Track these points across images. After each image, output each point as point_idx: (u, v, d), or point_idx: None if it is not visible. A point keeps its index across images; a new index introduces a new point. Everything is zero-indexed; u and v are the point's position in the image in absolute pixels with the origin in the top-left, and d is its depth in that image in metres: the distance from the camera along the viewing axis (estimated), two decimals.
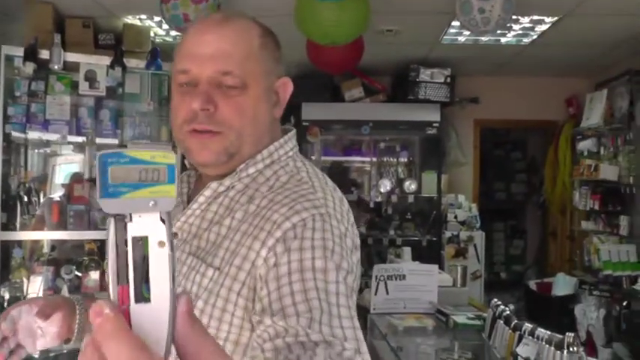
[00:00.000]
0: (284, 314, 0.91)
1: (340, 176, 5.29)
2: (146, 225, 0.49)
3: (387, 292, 3.04)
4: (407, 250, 3.36)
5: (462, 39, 4.37)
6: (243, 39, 1.06)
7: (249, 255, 0.99)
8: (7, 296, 3.26)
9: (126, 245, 0.49)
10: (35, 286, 3.37)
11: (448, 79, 4.99)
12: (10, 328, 1.06)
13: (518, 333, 2.27)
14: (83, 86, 3.31)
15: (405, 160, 5.38)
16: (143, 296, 0.49)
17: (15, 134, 3.24)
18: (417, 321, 2.86)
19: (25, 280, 3.36)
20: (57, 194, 3.47)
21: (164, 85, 3.43)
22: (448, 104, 5.11)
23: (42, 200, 3.46)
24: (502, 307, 2.53)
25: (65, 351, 2.92)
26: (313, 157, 5.17)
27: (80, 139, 3.43)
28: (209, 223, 1.07)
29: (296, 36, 3.84)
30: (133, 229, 0.49)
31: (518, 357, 2.18)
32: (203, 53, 1.04)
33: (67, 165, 3.67)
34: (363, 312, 3.14)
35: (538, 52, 4.63)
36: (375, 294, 3.02)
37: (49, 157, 3.54)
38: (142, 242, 0.49)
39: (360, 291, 3.16)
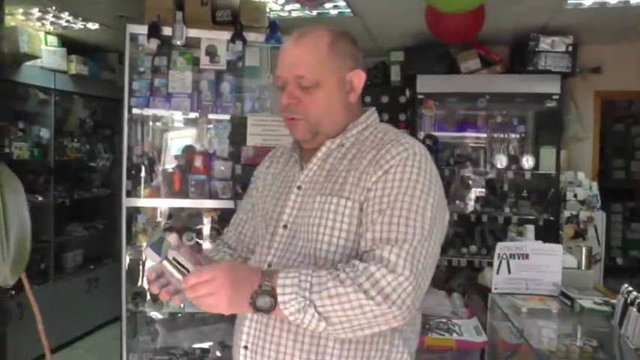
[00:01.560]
0: (373, 224, 1.33)
1: (453, 151, 5.17)
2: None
3: (509, 272, 2.93)
4: (530, 229, 3.21)
5: (587, 3, 4.07)
6: (313, 49, 1.45)
7: (365, 185, 1.38)
8: (127, 260, 3.45)
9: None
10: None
11: (570, 48, 4.68)
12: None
13: None
14: (204, 61, 3.39)
15: (522, 134, 5.13)
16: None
17: (138, 109, 3.39)
18: (540, 303, 2.73)
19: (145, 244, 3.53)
20: (170, 165, 3.59)
21: None
22: (568, 75, 4.81)
23: (159, 170, 3.58)
24: (635, 293, 2.36)
25: None
26: (422, 132, 5.06)
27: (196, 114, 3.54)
28: (328, 172, 1.47)
29: (413, 4, 3.75)
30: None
31: None
32: (285, 63, 1.48)
33: (179, 139, 3.77)
34: (483, 290, 3.05)
35: None
36: (497, 272, 2.92)
37: (165, 130, 3.65)
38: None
39: (481, 269, 3.10)
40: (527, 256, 2.94)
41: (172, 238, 1.30)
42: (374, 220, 1.34)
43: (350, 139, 1.50)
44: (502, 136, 5.18)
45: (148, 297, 3.47)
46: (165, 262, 1.27)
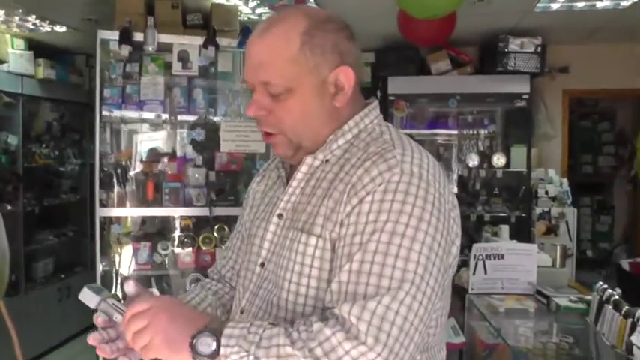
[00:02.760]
0: (339, 273, 1.03)
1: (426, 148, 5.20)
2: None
3: (486, 272, 2.97)
4: (504, 229, 3.26)
5: (555, 6, 4.14)
6: (280, 46, 1.11)
7: (339, 218, 1.07)
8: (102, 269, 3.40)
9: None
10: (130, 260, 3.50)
11: (538, 49, 4.77)
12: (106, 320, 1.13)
13: (630, 320, 2.15)
14: (176, 67, 3.36)
15: (493, 132, 5.20)
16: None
17: (110, 114, 3.34)
18: (517, 302, 2.78)
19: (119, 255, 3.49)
20: (135, 171, 3.55)
21: None
22: (537, 75, 4.89)
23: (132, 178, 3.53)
24: (609, 290, 2.41)
25: None
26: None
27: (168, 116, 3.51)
28: (308, 196, 1.15)
29: (384, 8, 3.76)
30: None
31: (634, 346, 2.07)
32: (249, 64, 1.15)
33: (151, 145, 3.73)
34: (460, 291, 3.09)
35: (638, 14, 4.33)
36: (474, 273, 2.95)
37: (136, 136, 3.61)
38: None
39: (458, 270, 3.11)
40: (502, 256, 2.98)
41: (130, 286, 1.14)
42: (342, 267, 1.03)
43: (336, 152, 1.16)
44: (472, 132, 5.23)
45: None
46: (103, 304, 1.11)
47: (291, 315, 1.11)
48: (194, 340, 1.00)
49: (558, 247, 3.08)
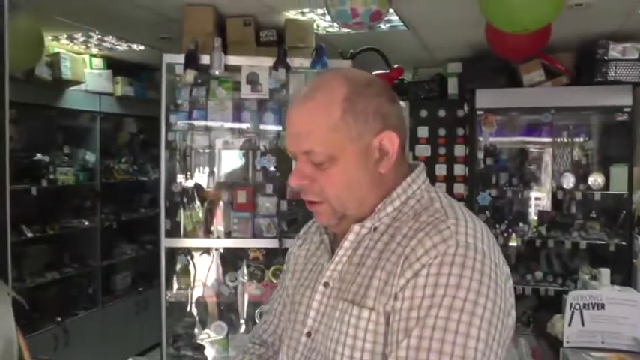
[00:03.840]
0: (397, 349, 0.98)
1: (517, 164, 4.85)
2: None
3: (583, 324, 2.62)
4: (605, 273, 2.87)
5: None
6: (321, 114, 1.08)
7: (393, 290, 1.03)
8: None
9: None
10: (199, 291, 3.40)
11: None
12: None
13: None
14: (245, 90, 3.21)
15: (590, 150, 4.75)
16: None
17: (178, 141, 3.24)
18: None
19: (189, 284, 3.39)
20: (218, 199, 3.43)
21: None
22: None
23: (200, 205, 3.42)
24: None
25: None
26: (481, 139, 4.75)
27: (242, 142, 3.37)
28: (356, 266, 1.12)
29: (471, 15, 3.46)
30: None
31: None
32: (290, 132, 1.13)
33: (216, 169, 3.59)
34: (553, 342, 2.76)
35: None
36: (569, 325, 2.62)
37: (210, 161, 3.48)
38: None
39: (547, 297, 2.80)
40: (602, 306, 2.63)
41: None
42: (399, 342, 0.99)
43: (384, 220, 1.13)
44: (567, 140, 4.80)
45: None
46: None
47: None
48: None
49: None
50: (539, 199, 4.78)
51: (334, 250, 1.19)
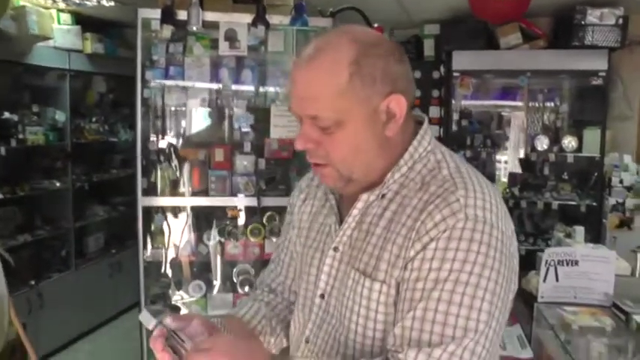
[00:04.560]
0: (402, 319, 1.03)
1: (490, 132, 4.87)
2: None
3: (557, 279, 2.68)
4: (579, 231, 2.93)
5: None
6: (328, 78, 1.05)
7: (404, 263, 1.06)
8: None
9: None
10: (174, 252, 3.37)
11: (620, 21, 4.30)
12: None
13: None
14: (223, 47, 3.12)
15: (564, 114, 4.79)
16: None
17: (153, 97, 3.17)
18: (592, 318, 2.48)
19: (165, 245, 3.36)
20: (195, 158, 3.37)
21: (310, 41, 3.18)
22: (616, 49, 4.44)
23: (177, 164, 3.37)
24: None
25: None
26: (453, 101, 4.75)
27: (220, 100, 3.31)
28: (365, 233, 1.14)
29: None
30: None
31: None
32: (295, 95, 1.10)
33: (192, 126, 3.53)
34: (528, 299, 2.82)
35: None
36: (544, 281, 2.67)
37: (176, 118, 3.41)
38: None
39: (525, 275, 2.88)
40: (576, 263, 2.68)
41: (169, 321, 1.11)
42: (404, 312, 1.04)
43: (392, 186, 1.13)
44: (540, 105, 4.83)
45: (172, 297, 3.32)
46: (160, 327, 1.12)
47: (359, 354, 1.13)
48: None
49: (639, 255, 2.75)
50: (510, 160, 4.84)
51: (340, 212, 1.23)
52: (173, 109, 3.38)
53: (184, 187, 3.25)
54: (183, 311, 3.35)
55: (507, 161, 4.82)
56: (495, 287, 1.02)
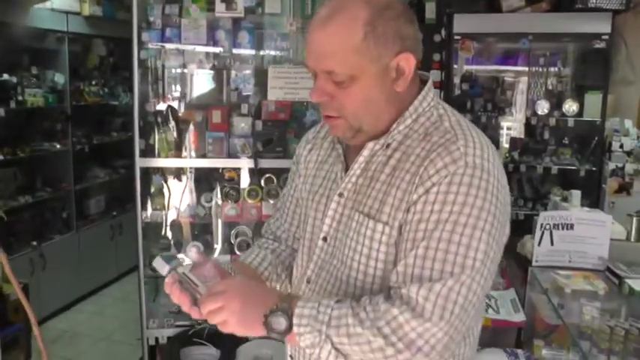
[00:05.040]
0: (405, 257, 1.13)
1: (494, 95, 4.82)
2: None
3: (552, 243, 2.69)
4: (576, 194, 2.92)
5: None
6: (344, 36, 1.13)
7: (406, 207, 1.15)
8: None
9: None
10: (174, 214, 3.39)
11: None
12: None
13: None
14: (219, 8, 3.09)
15: (565, 77, 4.74)
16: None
17: (150, 58, 3.15)
18: (585, 281, 2.51)
19: (166, 207, 3.37)
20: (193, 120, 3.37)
21: (307, 3, 3.14)
22: (620, 12, 4.36)
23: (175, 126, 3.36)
24: None
25: None
26: (455, 66, 4.69)
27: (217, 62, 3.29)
28: (370, 180, 1.23)
29: None
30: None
31: None
32: (312, 51, 1.18)
33: (190, 88, 3.51)
34: (523, 262, 2.84)
35: None
36: (539, 244, 2.68)
37: (183, 82, 3.39)
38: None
39: (522, 237, 2.89)
40: (572, 227, 2.70)
41: (192, 252, 1.31)
42: (407, 251, 1.13)
43: (396, 137, 1.23)
44: (543, 70, 4.76)
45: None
46: (173, 273, 1.20)
47: (360, 292, 1.21)
48: (267, 319, 1.11)
49: (634, 220, 2.76)
50: (512, 126, 4.80)
51: (347, 162, 1.31)
52: (172, 71, 3.35)
53: (183, 149, 3.24)
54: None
55: (510, 127, 4.77)
56: (491, 229, 1.11)
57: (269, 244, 1.52)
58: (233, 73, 3.23)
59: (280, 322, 1.11)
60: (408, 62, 1.17)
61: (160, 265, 1.21)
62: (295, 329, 1.11)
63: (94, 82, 5.38)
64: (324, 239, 1.32)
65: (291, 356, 1.39)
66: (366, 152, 1.24)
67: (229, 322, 1.13)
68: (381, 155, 1.23)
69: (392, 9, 1.16)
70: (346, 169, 1.31)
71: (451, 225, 1.09)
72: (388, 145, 1.23)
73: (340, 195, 1.28)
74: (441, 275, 1.08)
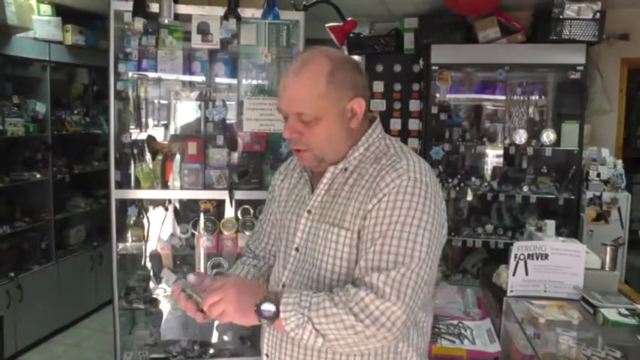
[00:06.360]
0: (365, 253, 1.41)
1: (471, 120, 4.86)
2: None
3: (527, 273, 2.69)
4: (550, 224, 2.93)
5: None
6: (312, 84, 1.44)
7: (363, 214, 1.44)
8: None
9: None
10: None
11: (597, 15, 4.32)
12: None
13: None
14: (196, 40, 3.12)
15: (543, 107, 4.79)
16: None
17: (129, 91, 3.16)
18: (560, 311, 2.50)
19: (144, 237, 3.35)
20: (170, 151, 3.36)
21: (282, 35, 3.17)
22: (594, 43, 4.45)
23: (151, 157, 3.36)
24: None
25: None
26: (437, 95, 4.73)
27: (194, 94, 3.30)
28: (333, 197, 1.53)
29: None
30: None
31: None
32: (285, 96, 1.48)
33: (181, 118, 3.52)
34: (499, 293, 2.83)
35: None
36: (514, 274, 2.68)
37: (162, 113, 3.40)
38: None
39: (497, 250, 2.86)
40: (546, 257, 2.70)
41: (191, 278, 1.50)
42: (367, 249, 1.41)
43: (352, 162, 1.53)
44: (523, 98, 4.82)
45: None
46: (178, 282, 1.47)
47: (328, 288, 1.46)
48: (259, 307, 1.36)
49: (608, 249, 2.76)
50: (490, 155, 4.83)
51: (313, 185, 1.60)
52: (149, 102, 3.36)
53: (158, 181, 3.23)
54: (163, 303, 3.36)
55: (491, 153, 4.80)
56: (432, 228, 1.41)
57: (250, 261, 1.80)
58: (210, 104, 3.24)
59: (269, 309, 1.36)
60: (360, 105, 1.49)
61: (167, 275, 1.44)
62: (282, 314, 1.35)
63: (75, 112, 5.38)
64: (297, 249, 1.58)
65: (267, 355, 1.60)
66: (328, 175, 1.54)
67: (227, 311, 1.37)
68: (341, 177, 1.53)
69: (348, 63, 1.50)
70: (312, 190, 1.58)
71: (400, 225, 1.38)
72: (346, 169, 1.52)
73: (309, 212, 1.56)
74: (395, 265, 1.35)
